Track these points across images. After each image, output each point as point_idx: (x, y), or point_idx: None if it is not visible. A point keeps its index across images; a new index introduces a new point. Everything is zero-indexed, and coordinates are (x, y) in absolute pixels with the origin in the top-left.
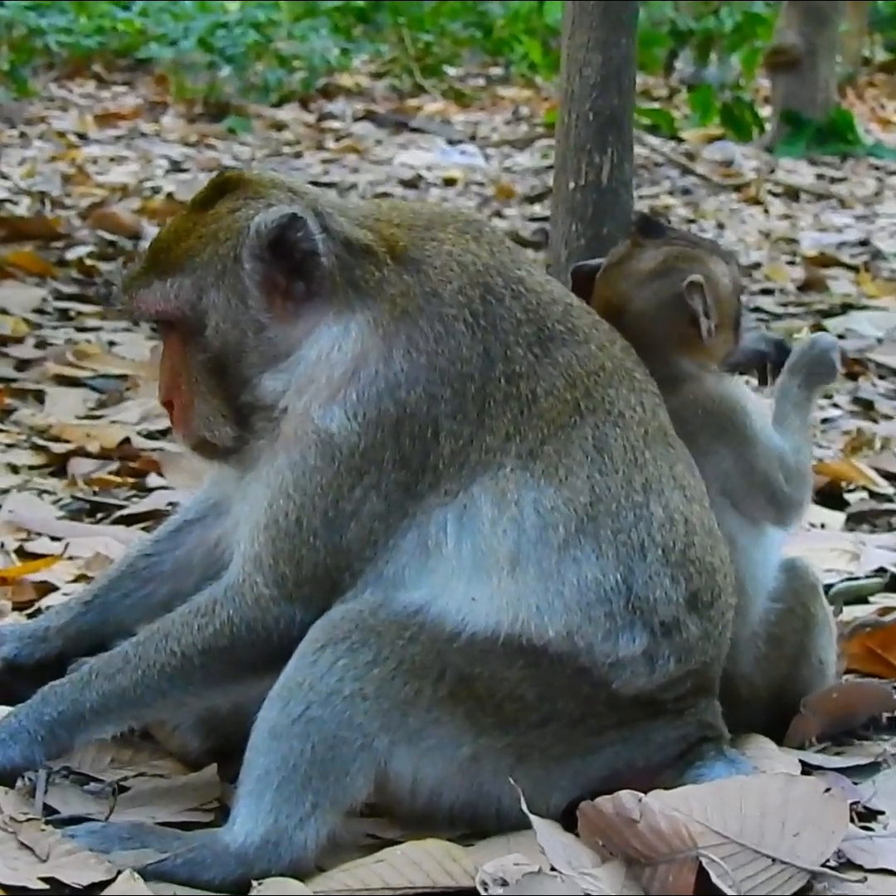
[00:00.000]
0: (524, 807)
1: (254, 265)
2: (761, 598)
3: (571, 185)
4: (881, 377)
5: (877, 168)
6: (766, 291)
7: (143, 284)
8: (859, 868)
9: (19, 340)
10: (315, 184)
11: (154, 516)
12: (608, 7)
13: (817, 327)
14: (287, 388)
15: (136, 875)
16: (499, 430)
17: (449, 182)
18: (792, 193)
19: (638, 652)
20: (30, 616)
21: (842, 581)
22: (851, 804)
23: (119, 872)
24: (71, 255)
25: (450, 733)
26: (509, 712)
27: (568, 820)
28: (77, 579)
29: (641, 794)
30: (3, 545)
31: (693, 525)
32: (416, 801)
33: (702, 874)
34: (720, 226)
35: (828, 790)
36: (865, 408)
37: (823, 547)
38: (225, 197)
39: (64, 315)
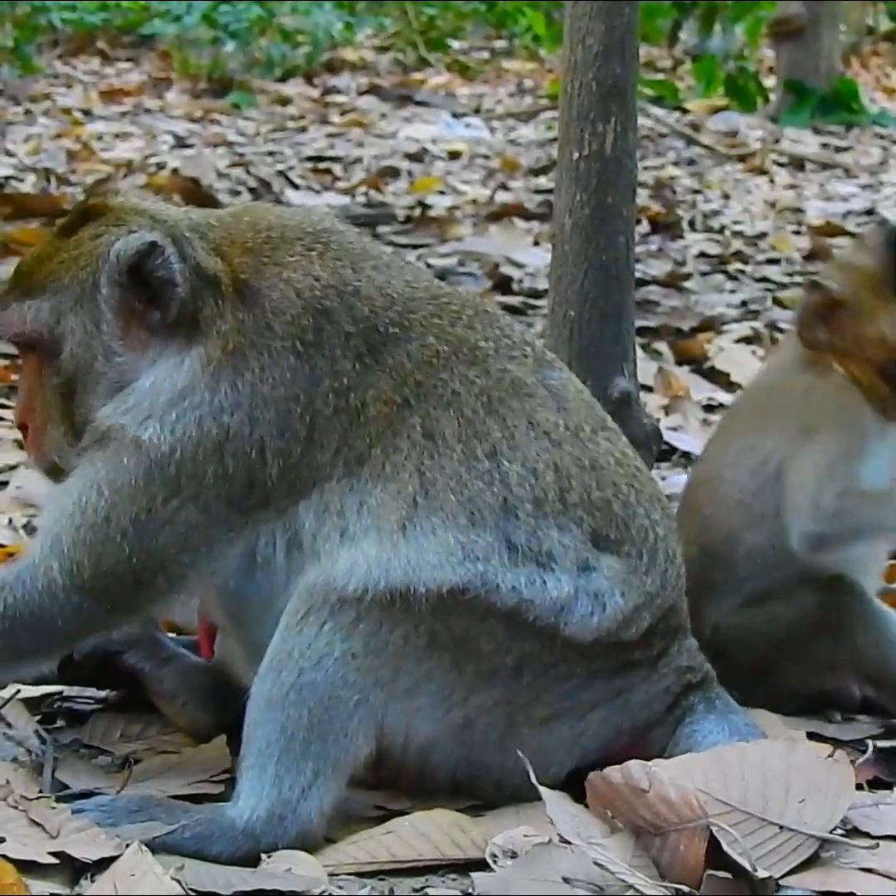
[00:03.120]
0: (533, 778)
1: (111, 291)
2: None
3: (575, 155)
4: None
5: (881, 137)
6: (772, 261)
7: (1, 306)
8: (867, 835)
9: None
10: (320, 158)
11: None
12: None
13: None
14: (115, 410)
15: (144, 848)
16: (329, 446)
17: (454, 155)
18: (797, 163)
19: (573, 591)
20: None
21: None
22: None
23: (128, 847)
24: None
25: (441, 690)
26: (487, 654)
27: (574, 791)
28: None
29: (650, 764)
30: (10, 521)
31: (566, 468)
32: (409, 764)
33: (712, 843)
34: (725, 196)
35: (831, 755)
36: None
37: None
38: (88, 224)
39: None
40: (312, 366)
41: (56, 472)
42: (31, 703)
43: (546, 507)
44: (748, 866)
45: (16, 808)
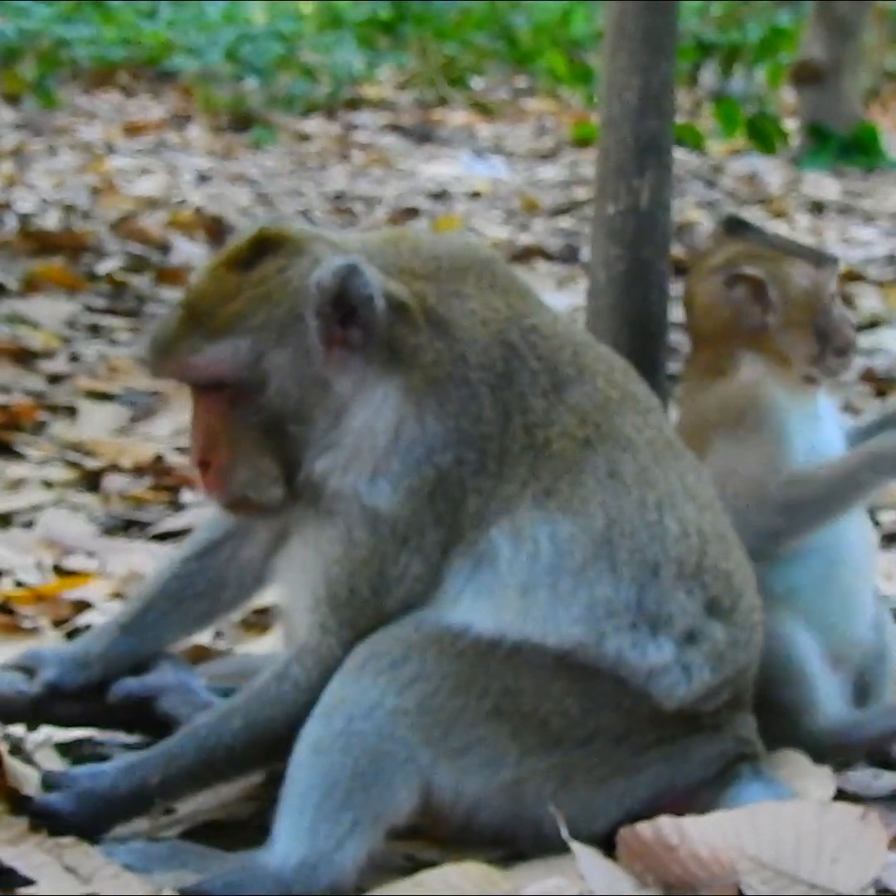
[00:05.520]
0: (564, 833)
1: (316, 322)
2: None
3: (610, 209)
4: None
5: None
6: None
7: (191, 349)
8: None
9: (50, 355)
10: (341, 196)
11: (189, 532)
12: (649, 31)
13: None
14: (335, 464)
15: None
16: (516, 479)
17: (474, 195)
18: (817, 207)
19: (669, 661)
20: (68, 635)
21: None
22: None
23: (160, 893)
24: (101, 268)
25: (494, 753)
26: (555, 729)
27: (610, 843)
28: (113, 597)
29: (681, 820)
30: (39, 563)
31: (706, 535)
32: (455, 819)
33: None
34: None
35: (864, 816)
36: None
37: None
38: (267, 255)
39: (95, 329)
40: (506, 401)
41: (243, 506)
42: (63, 749)
43: (685, 570)
44: None
45: (49, 853)
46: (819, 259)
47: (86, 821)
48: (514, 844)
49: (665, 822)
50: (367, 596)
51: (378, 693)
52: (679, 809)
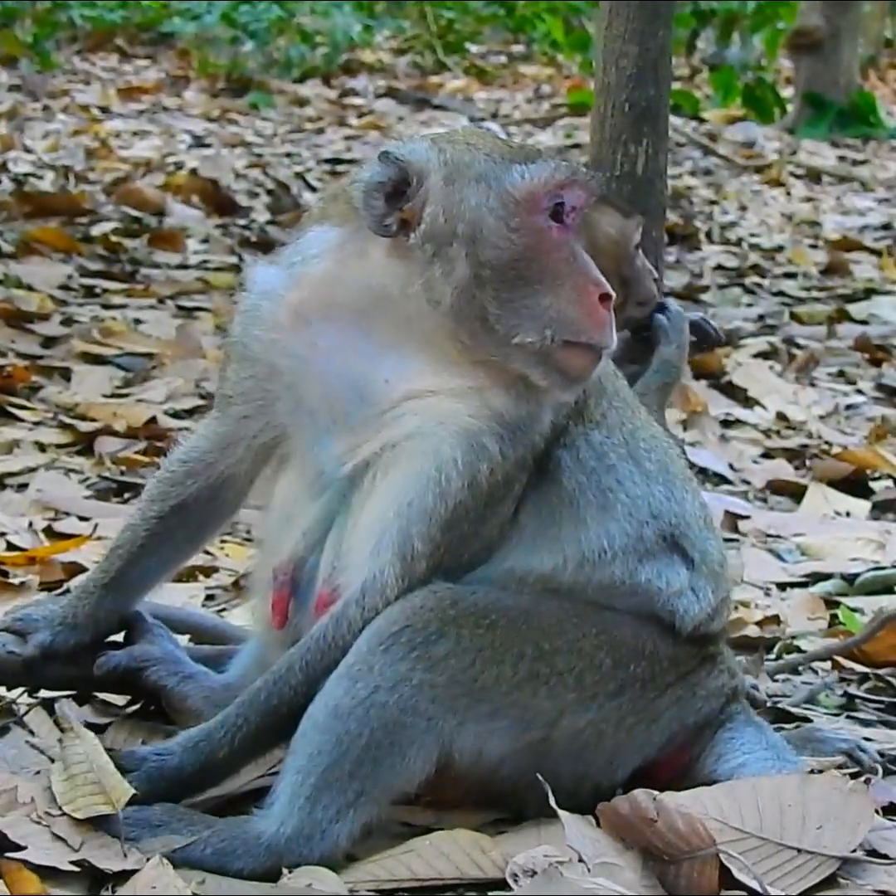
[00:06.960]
0: (552, 801)
1: None
2: None
3: (607, 175)
4: None
5: None
6: (789, 275)
7: None
8: (885, 857)
9: (45, 317)
10: (338, 161)
11: None
12: None
13: (840, 312)
14: None
15: (166, 861)
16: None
17: None
18: (814, 176)
19: (684, 584)
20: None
21: (868, 571)
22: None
23: (149, 860)
24: (96, 231)
25: (526, 714)
26: (589, 684)
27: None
28: None
29: (657, 793)
30: (31, 524)
31: (676, 448)
32: (473, 779)
33: (725, 870)
34: (742, 208)
35: (850, 785)
36: (889, 394)
37: (849, 536)
38: None
39: (90, 292)
40: None
41: None
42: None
43: (683, 473)
44: (759, 888)
45: (39, 823)
46: (627, 210)
47: (155, 801)
48: (525, 802)
49: (641, 796)
50: (459, 536)
51: (407, 668)
52: (686, 752)
